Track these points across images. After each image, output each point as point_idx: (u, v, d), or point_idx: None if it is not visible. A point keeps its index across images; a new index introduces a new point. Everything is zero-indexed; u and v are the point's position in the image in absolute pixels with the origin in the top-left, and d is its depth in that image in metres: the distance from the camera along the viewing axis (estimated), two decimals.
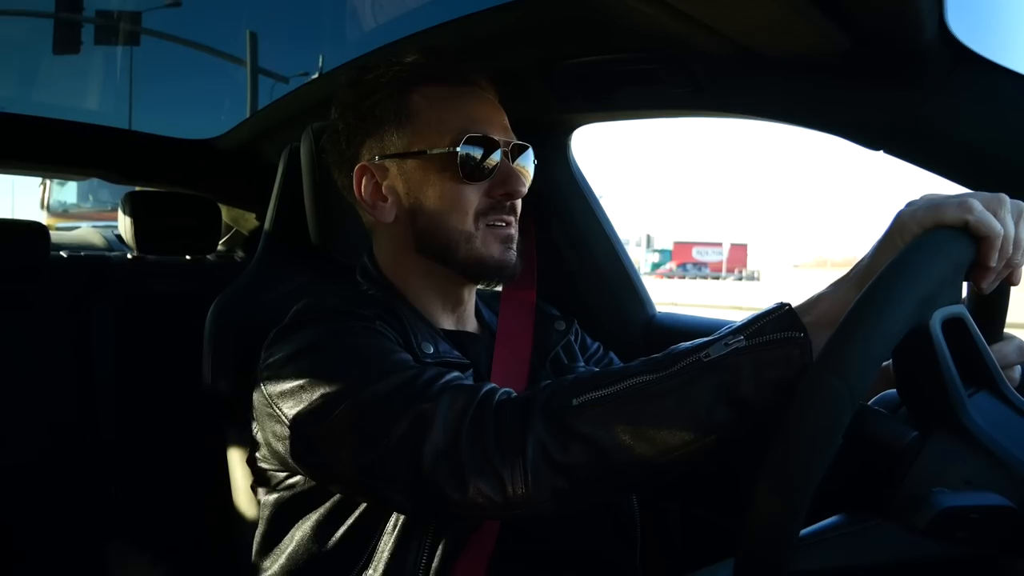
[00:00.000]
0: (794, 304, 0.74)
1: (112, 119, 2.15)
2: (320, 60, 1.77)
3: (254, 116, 1.99)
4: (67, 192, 7.72)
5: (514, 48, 1.30)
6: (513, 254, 1.04)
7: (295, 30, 1.95)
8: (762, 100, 1.12)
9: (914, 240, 0.66)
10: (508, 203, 1.03)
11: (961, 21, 0.88)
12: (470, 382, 0.87)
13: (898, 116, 0.96)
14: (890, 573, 0.62)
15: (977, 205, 0.65)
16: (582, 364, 1.16)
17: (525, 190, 1.04)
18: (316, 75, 1.77)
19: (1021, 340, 0.81)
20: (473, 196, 1.01)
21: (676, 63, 1.15)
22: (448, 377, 0.86)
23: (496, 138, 1.01)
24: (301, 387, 0.88)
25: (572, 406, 0.75)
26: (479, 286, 1.11)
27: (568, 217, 1.62)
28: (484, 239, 1.02)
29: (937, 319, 0.61)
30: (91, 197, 7.49)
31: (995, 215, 0.66)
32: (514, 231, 1.05)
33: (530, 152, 1.07)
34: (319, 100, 1.14)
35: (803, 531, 0.61)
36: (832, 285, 0.74)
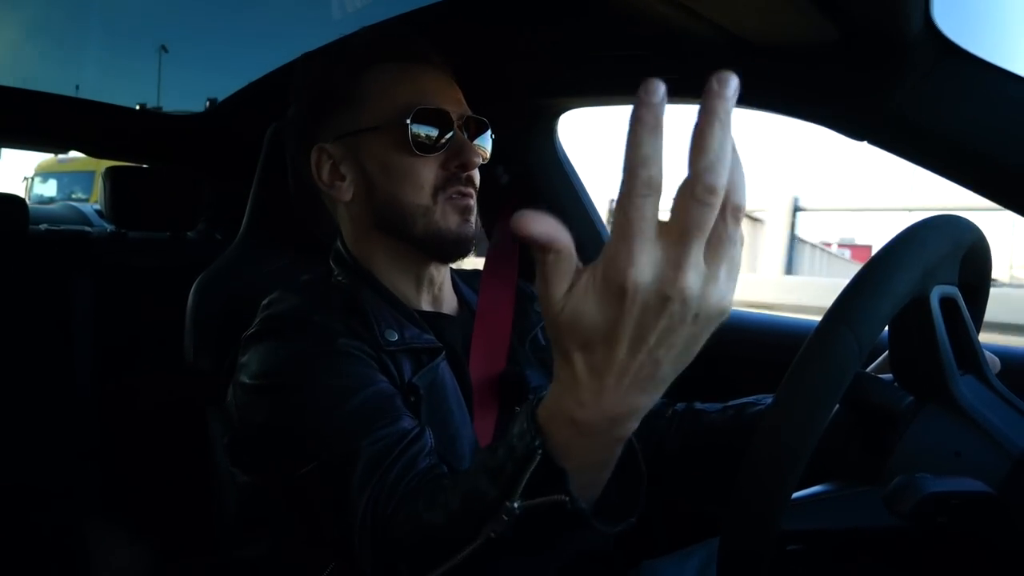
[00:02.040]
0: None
1: (93, 92, 2.11)
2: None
3: (238, 92, 1.97)
4: (48, 187, 7.97)
5: (502, 32, 1.30)
6: (471, 226, 1.04)
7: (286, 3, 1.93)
8: (749, 89, 1.12)
9: (919, 220, 0.67)
10: (464, 175, 1.02)
11: (947, 15, 0.89)
12: (399, 468, 0.81)
13: (882, 108, 0.97)
14: (877, 537, 0.64)
15: None
16: None
17: (480, 161, 1.03)
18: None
19: (993, 356, 0.82)
20: (427, 170, 1.01)
21: (664, 49, 1.15)
22: (379, 472, 0.80)
23: (447, 110, 1.01)
24: (264, 428, 0.91)
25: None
26: (441, 263, 1.09)
27: (554, 202, 1.62)
28: (442, 212, 1.01)
29: (936, 294, 0.63)
30: (71, 193, 7.75)
31: None
32: (472, 203, 1.04)
33: (487, 129, 1.08)
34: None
35: (795, 495, 0.62)
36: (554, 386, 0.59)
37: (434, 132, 1.01)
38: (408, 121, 0.99)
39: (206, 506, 1.27)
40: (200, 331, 1.19)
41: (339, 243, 1.11)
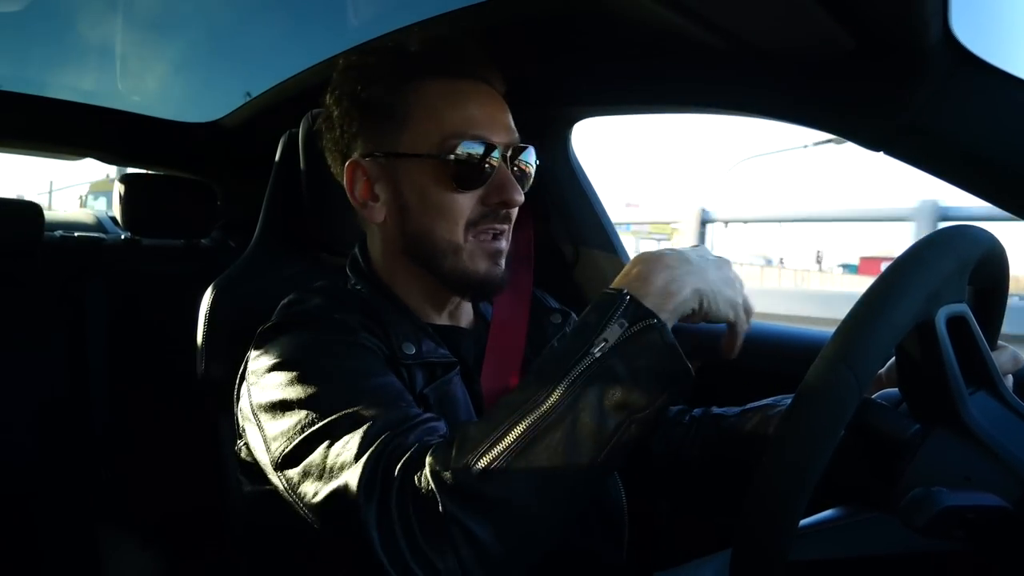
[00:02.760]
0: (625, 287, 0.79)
1: (109, 99, 2.13)
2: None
3: (252, 100, 1.98)
4: (99, 204, 8.45)
5: (516, 40, 1.30)
6: (500, 269, 1.00)
7: (300, 11, 1.93)
8: (765, 98, 1.12)
9: (924, 237, 0.66)
10: (503, 212, 0.98)
11: (965, 24, 0.88)
12: (415, 435, 0.80)
13: (899, 118, 0.96)
14: (888, 566, 0.63)
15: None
16: None
17: (522, 198, 0.99)
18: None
19: (1015, 350, 0.81)
20: (465, 204, 0.96)
21: (679, 59, 1.15)
22: (398, 431, 0.80)
23: (495, 141, 0.96)
24: (277, 406, 0.87)
25: (475, 473, 0.72)
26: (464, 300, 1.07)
27: (566, 211, 1.62)
28: (471, 253, 0.98)
29: (942, 315, 0.62)
30: None
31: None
32: (505, 244, 1.00)
33: (531, 152, 1.03)
34: (319, 85, 1.14)
35: (803, 521, 0.61)
36: (642, 258, 0.83)
37: (479, 166, 0.95)
38: (452, 157, 0.94)
39: (216, 513, 1.27)
40: (213, 338, 1.20)
41: (357, 252, 1.09)
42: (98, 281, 2.19)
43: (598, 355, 0.73)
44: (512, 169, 0.99)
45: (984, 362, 0.68)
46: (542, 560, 0.97)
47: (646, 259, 0.82)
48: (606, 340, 0.73)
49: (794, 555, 0.59)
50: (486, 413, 0.78)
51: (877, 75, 0.97)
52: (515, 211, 1.01)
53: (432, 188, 0.96)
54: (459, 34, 1.04)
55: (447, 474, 0.73)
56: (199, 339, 1.21)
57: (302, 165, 1.23)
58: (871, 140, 1.02)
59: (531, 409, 0.73)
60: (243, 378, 0.95)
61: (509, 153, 0.98)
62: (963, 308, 0.65)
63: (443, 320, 1.07)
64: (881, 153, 1.02)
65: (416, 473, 0.75)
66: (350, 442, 0.79)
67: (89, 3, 2.06)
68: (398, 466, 0.76)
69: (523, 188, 1.01)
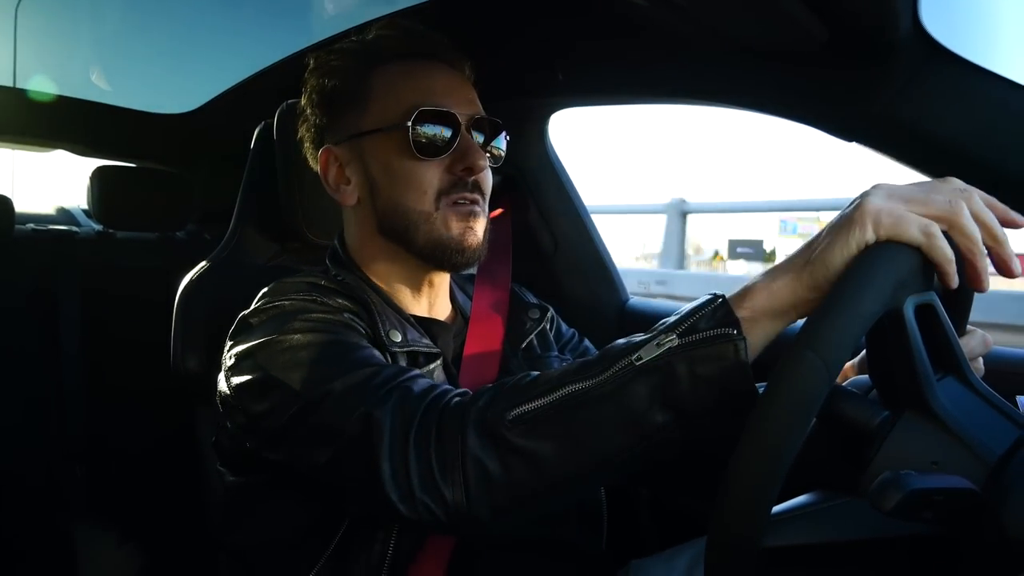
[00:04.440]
0: (729, 294, 0.72)
1: (81, 90, 2.10)
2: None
3: (227, 91, 1.96)
4: None
5: (494, 31, 1.30)
6: (476, 236, 1.00)
7: (274, 1, 1.92)
8: (739, 88, 1.13)
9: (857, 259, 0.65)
10: (471, 179, 0.99)
11: (934, 17, 0.89)
12: (425, 381, 0.84)
13: (871, 109, 0.98)
14: (861, 549, 0.64)
15: (936, 232, 0.63)
16: (555, 353, 1.15)
17: (486, 164, 1.00)
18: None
19: (985, 334, 0.83)
20: (431, 174, 0.98)
21: (655, 49, 1.15)
22: (402, 378, 0.83)
23: (454, 111, 0.98)
24: (262, 382, 0.87)
25: (507, 419, 0.72)
26: (444, 271, 1.07)
27: (544, 201, 1.62)
28: (444, 218, 0.98)
29: (910, 304, 0.63)
30: None
31: (955, 228, 0.64)
32: (478, 209, 1.00)
33: (501, 131, 1.04)
34: (293, 76, 1.13)
35: (775, 508, 0.62)
36: (768, 273, 0.71)
37: (439, 134, 0.97)
38: (410, 123, 0.96)
39: (194, 507, 1.26)
40: (188, 331, 1.19)
41: (336, 243, 1.10)
42: (71, 275, 2.17)
43: (664, 348, 0.69)
44: (478, 141, 1.00)
45: (952, 349, 0.69)
46: (519, 548, 0.97)
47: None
48: (677, 337, 0.69)
49: (767, 541, 0.60)
50: (531, 375, 0.77)
51: (850, 66, 0.98)
52: (487, 183, 1.02)
53: (397, 160, 0.98)
54: (432, 22, 1.04)
55: (480, 413, 0.74)
56: (174, 332, 1.20)
57: (278, 155, 1.22)
58: (843, 130, 1.03)
59: (581, 378, 0.72)
60: (223, 366, 0.95)
61: (472, 123, 1.00)
62: (931, 297, 0.66)
63: (423, 312, 1.07)
64: (854, 143, 1.03)
65: (438, 409, 0.76)
66: (355, 396, 0.80)
67: None
68: (414, 404, 0.77)
69: (493, 163, 1.03)
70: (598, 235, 1.68)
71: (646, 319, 1.59)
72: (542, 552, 0.99)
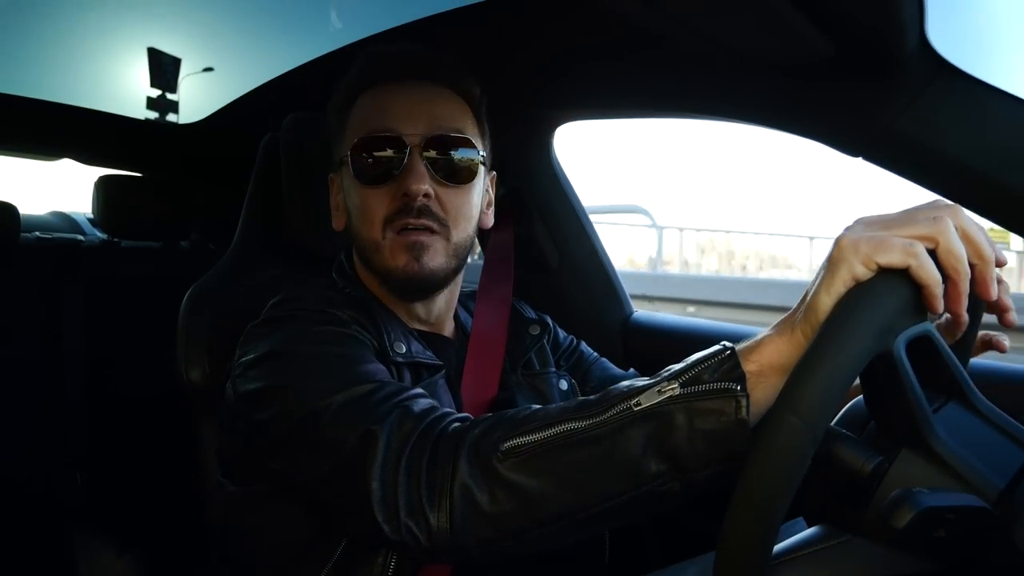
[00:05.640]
0: (741, 346, 0.68)
1: (87, 99, 2.11)
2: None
3: (233, 102, 1.97)
4: None
5: (500, 45, 1.30)
6: (423, 265, 0.97)
7: (282, 13, 1.93)
8: (745, 103, 1.13)
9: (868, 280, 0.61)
10: (415, 205, 0.96)
11: (941, 33, 0.89)
12: (426, 402, 0.83)
13: (876, 124, 0.98)
14: None
15: (920, 251, 0.58)
16: (553, 369, 1.16)
17: (423, 188, 0.96)
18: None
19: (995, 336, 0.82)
20: (377, 202, 0.97)
21: (661, 63, 1.16)
22: (403, 396, 0.82)
23: (402, 133, 0.96)
24: (266, 391, 0.87)
25: (500, 450, 0.71)
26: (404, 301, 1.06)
27: (549, 215, 1.62)
28: (391, 248, 0.98)
29: (901, 342, 0.60)
30: None
31: (942, 248, 0.60)
32: (424, 238, 0.97)
33: (460, 140, 1.00)
34: (300, 88, 1.13)
35: (777, 547, 0.61)
36: (777, 326, 0.68)
37: (382, 159, 0.96)
38: (349, 152, 0.98)
39: (195, 517, 1.26)
40: (192, 342, 1.19)
41: (343, 257, 1.11)
42: (75, 283, 2.17)
43: (665, 396, 0.67)
44: (437, 161, 0.98)
45: (952, 374, 0.67)
46: (522, 562, 0.97)
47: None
48: (679, 386, 0.67)
49: None
50: (533, 408, 0.76)
51: (855, 82, 0.98)
52: (446, 205, 0.99)
53: (351, 189, 1.01)
54: (428, 37, 1.05)
55: (474, 441, 0.73)
56: (178, 342, 1.20)
57: (284, 166, 1.22)
58: (849, 146, 1.03)
59: (579, 418, 0.70)
60: (231, 374, 0.95)
61: (424, 143, 0.97)
62: (925, 328, 0.63)
63: (425, 327, 1.08)
64: (859, 158, 1.03)
65: (435, 433, 0.76)
66: (355, 412, 0.79)
67: (67, 1, 2.04)
68: (412, 424, 0.77)
69: (455, 180, 1.00)
70: (603, 248, 1.68)
71: (650, 333, 1.59)
72: (545, 565, 0.99)
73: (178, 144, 2.24)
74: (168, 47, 2.16)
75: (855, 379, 0.58)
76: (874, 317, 0.58)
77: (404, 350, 0.97)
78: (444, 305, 1.11)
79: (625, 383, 0.72)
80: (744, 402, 0.64)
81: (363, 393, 0.82)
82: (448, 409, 0.83)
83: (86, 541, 1.98)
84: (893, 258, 0.58)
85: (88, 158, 2.45)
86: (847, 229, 0.62)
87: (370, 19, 1.43)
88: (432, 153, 0.98)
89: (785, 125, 1.11)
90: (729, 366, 0.66)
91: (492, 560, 0.77)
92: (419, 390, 0.86)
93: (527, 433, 0.71)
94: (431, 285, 1.01)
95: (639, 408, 0.68)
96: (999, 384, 1.11)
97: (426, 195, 0.96)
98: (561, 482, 0.70)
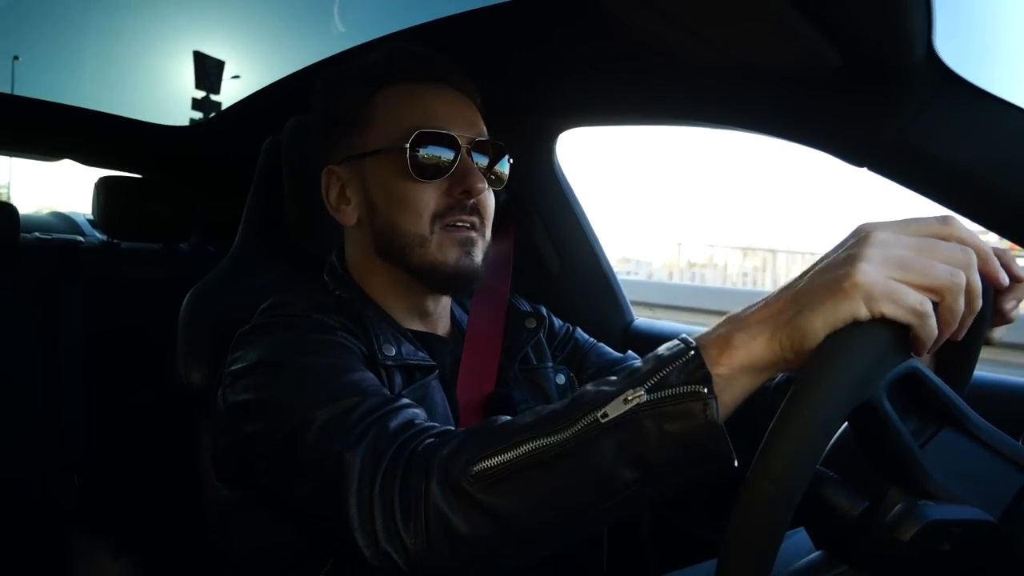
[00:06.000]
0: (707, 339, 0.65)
1: (88, 100, 2.11)
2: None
3: (234, 104, 1.97)
4: None
5: (504, 50, 1.30)
6: (473, 260, 0.99)
7: (283, 16, 1.93)
8: (751, 112, 1.13)
9: (835, 337, 0.57)
10: (469, 202, 0.98)
11: (948, 45, 0.89)
12: (405, 416, 0.81)
13: (883, 135, 0.97)
14: None
15: (929, 310, 0.56)
16: (550, 364, 1.15)
17: (485, 187, 0.99)
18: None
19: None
20: (428, 196, 0.98)
21: (667, 72, 1.15)
22: (383, 411, 0.81)
23: (454, 133, 0.98)
24: (252, 404, 0.87)
25: (470, 474, 0.69)
26: (439, 295, 1.07)
27: (551, 221, 1.62)
28: (440, 242, 0.98)
29: (882, 389, 0.59)
30: None
31: (945, 306, 0.57)
32: (475, 234, 1.00)
33: (504, 154, 1.04)
34: (301, 91, 1.13)
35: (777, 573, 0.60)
36: (748, 322, 0.64)
37: (438, 156, 0.97)
38: (408, 145, 0.96)
39: (192, 520, 1.25)
40: (191, 344, 1.18)
41: (334, 258, 1.10)
42: (75, 285, 2.16)
43: (632, 404, 0.65)
44: (480, 164, 1.00)
45: (943, 402, 0.66)
46: (519, 567, 0.96)
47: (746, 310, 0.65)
48: (645, 392, 0.64)
49: None
50: (501, 422, 0.74)
51: (863, 92, 0.98)
52: (487, 205, 1.01)
53: (395, 181, 0.99)
54: (431, 42, 1.04)
55: (443, 464, 0.71)
56: (178, 345, 1.19)
57: (284, 170, 1.22)
58: (855, 156, 1.03)
59: (547, 432, 0.68)
60: (221, 382, 0.94)
61: (473, 145, 1.00)
62: (910, 366, 0.62)
63: (420, 327, 1.07)
64: (864, 169, 1.03)
65: (407, 454, 0.74)
66: (333, 432, 0.78)
67: (70, 2, 2.04)
68: (385, 446, 0.75)
69: (494, 186, 1.03)
70: (604, 255, 1.67)
71: (650, 340, 1.58)
72: (542, 570, 0.98)
73: (179, 146, 2.24)
74: (173, 50, 2.16)
75: (831, 438, 0.55)
76: (857, 371, 0.56)
77: (394, 352, 0.96)
78: (447, 301, 1.11)
79: (592, 387, 0.70)
80: (712, 404, 0.62)
81: (343, 410, 0.80)
82: (426, 423, 0.81)
83: (83, 543, 1.97)
84: (899, 315, 0.56)
85: (89, 159, 2.44)
86: (862, 258, 0.57)
87: (372, 23, 1.43)
88: (476, 154, 1.01)
89: (790, 135, 1.11)
90: (694, 366, 0.64)
91: None
92: (403, 400, 0.84)
93: (497, 453, 0.69)
94: (473, 280, 1.01)
95: (606, 420, 0.66)
96: (1006, 397, 1.11)
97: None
98: (535, 501, 0.68)
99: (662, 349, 0.67)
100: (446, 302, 1.11)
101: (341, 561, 0.89)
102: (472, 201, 0.99)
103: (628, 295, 1.71)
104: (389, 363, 0.95)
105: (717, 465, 0.64)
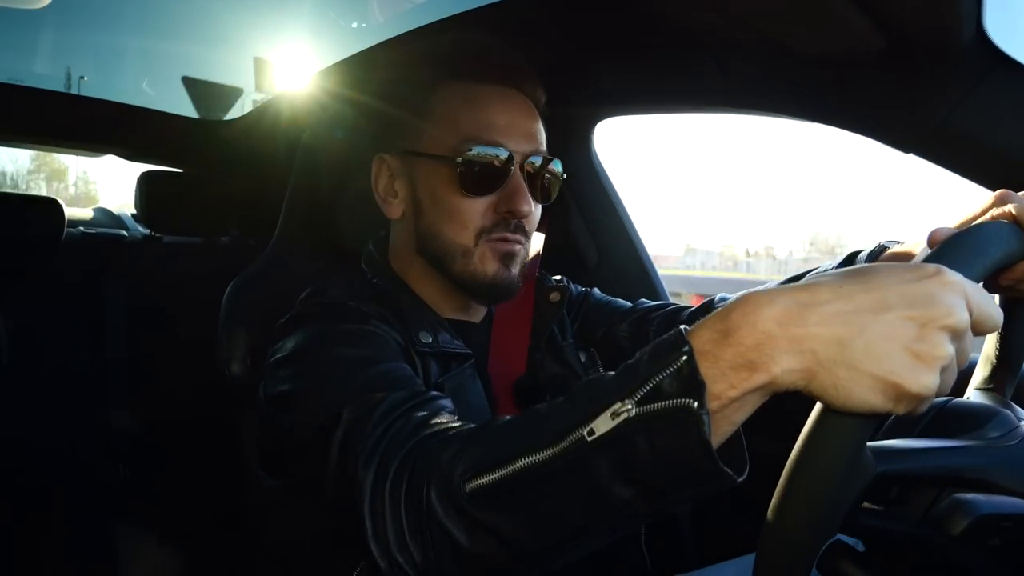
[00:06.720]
0: (701, 334, 0.58)
1: (132, 96, 2.14)
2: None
3: (273, 97, 1.99)
4: None
5: (540, 38, 1.29)
6: (512, 274, 0.99)
7: (321, 8, 1.94)
8: (794, 98, 1.11)
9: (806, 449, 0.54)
10: (513, 222, 0.97)
11: (999, 25, 0.86)
12: (418, 417, 0.79)
13: (930, 119, 0.95)
14: None
15: (932, 396, 0.51)
16: (571, 341, 1.16)
17: (530, 209, 0.98)
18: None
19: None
20: (476, 210, 0.97)
21: (707, 58, 1.14)
22: (402, 409, 0.79)
23: (511, 148, 0.96)
24: (288, 397, 0.87)
25: (466, 491, 0.66)
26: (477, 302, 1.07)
27: (588, 211, 1.61)
28: (482, 255, 0.98)
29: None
30: None
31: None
32: (517, 248, 0.99)
33: (557, 164, 1.02)
34: (340, 83, 1.13)
35: None
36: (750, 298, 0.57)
37: (489, 173, 0.96)
38: (461, 160, 0.94)
39: (235, 508, 1.27)
40: (233, 336, 1.20)
41: (372, 247, 1.10)
42: (118, 278, 2.21)
43: (620, 420, 0.59)
44: (533, 180, 0.99)
45: (943, 477, 0.62)
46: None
47: (754, 300, 0.56)
48: (635, 405, 0.59)
49: None
50: (500, 425, 0.72)
51: (908, 76, 0.96)
52: (532, 223, 1.01)
53: (443, 191, 0.97)
54: (493, 37, 1.02)
55: (442, 474, 0.69)
56: (219, 336, 1.21)
57: (322, 164, 1.23)
58: (901, 141, 1.00)
59: (538, 446, 0.64)
60: (262, 373, 0.96)
61: (527, 162, 0.98)
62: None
63: (456, 315, 1.07)
64: (910, 154, 1.01)
65: (413, 460, 0.73)
66: (356, 433, 0.78)
67: (113, 1, 2.07)
68: (396, 450, 0.75)
69: (543, 200, 1.02)
70: (642, 246, 1.66)
71: None
72: (580, 563, 0.98)
73: (219, 140, 2.27)
74: (211, 43, 2.19)
75: (825, 545, 0.55)
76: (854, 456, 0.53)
77: (430, 340, 0.97)
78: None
79: (586, 385, 0.66)
80: (705, 419, 0.56)
81: (367, 410, 0.79)
82: (443, 419, 0.79)
83: (127, 531, 2.02)
84: (898, 410, 0.51)
85: (131, 154, 2.49)
86: (935, 361, 0.51)
87: (411, 14, 1.43)
88: (529, 171, 0.99)
89: (835, 120, 1.08)
90: (688, 372, 0.57)
91: None
92: (429, 393, 0.83)
93: (490, 470, 0.66)
94: (513, 291, 1.01)
95: (593, 438, 0.60)
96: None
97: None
98: (533, 519, 0.66)
99: (663, 340, 0.60)
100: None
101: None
102: (516, 221, 0.98)
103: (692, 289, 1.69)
104: (425, 351, 0.95)
105: (714, 485, 0.58)
